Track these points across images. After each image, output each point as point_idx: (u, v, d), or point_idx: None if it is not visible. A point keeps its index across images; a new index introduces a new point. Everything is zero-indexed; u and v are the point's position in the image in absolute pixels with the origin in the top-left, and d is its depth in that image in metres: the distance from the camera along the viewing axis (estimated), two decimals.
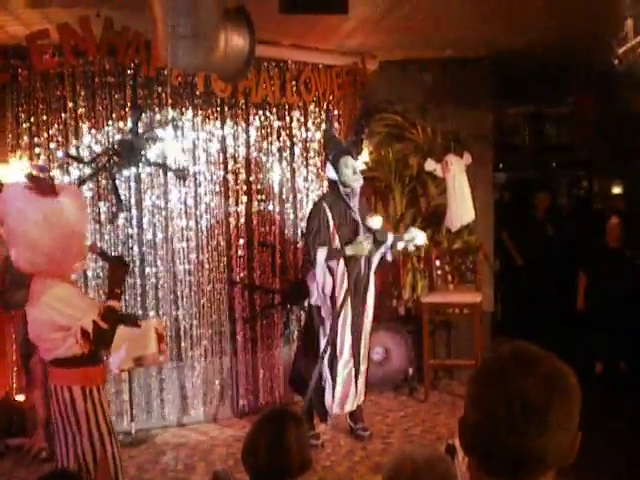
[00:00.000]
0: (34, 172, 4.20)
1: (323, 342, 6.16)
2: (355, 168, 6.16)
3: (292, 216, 7.25)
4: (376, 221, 6.11)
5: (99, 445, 4.06)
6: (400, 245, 6.39)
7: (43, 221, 3.83)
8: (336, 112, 7.40)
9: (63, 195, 4.01)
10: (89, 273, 6.50)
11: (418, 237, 6.38)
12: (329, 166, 6.21)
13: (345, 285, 6.08)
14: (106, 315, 4.01)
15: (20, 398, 6.30)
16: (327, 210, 6.11)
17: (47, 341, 3.95)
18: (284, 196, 7.21)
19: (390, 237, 6.40)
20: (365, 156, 7.43)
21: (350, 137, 6.87)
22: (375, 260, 6.34)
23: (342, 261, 6.08)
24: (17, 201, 3.88)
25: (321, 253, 6.02)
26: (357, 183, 6.16)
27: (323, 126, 7.14)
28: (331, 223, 6.09)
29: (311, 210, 6.39)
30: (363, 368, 6.36)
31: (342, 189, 6.13)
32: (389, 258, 6.51)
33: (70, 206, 3.99)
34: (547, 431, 1.48)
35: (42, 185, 3.93)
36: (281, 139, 7.15)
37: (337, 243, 6.08)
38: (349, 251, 6.05)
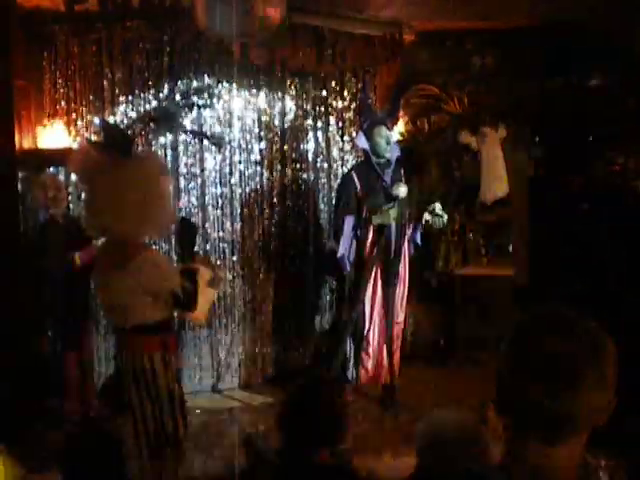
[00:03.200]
0: (106, 131, 4.16)
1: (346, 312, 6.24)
2: (389, 138, 6.14)
3: (327, 185, 7.23)
4: (401, 190, 6.05)
5: (179, 414, 4.10)
6: (426, 217, 6.29)
7: (139, 183, 3.82)
8: (372, 82, 7.37)
9: (143, 156, 4.02)
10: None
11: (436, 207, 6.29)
12: (361, 135, 6.20)
13: (373, 255, 6.11)
14: (189, 277, 4.00)
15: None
16: (356, 180, 6.12)
17: (132, 307, 3.91)
18: (319, 165, 7.20)
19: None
20: (401, 127, 7.40)
21: (386, 107, 6.86)
22: (411, 232, 6.34)
23: (371, 231, 6.10)
24: (101, 166, 3.87)
25: (348, 222, 6.04)
26: (390, 154, 6.15)
27: (359, 95, 7.09)
28: (359, 193, 6.10)
29: (340, 180, 6.43)
30: (398, 342, 6.39)
31: (374, 159, 6.12)
32: (418, 239, 6.49)
33: (154, 167, 4.00)
34: (582, 392, 1.49)
35: (122, 144, 3.93)
36: (317, 108, 7.12)
37: (365, 213, 6.10)
38: (375, 220, 6.04)
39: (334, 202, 6.53)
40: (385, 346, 6.27)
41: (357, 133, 6.81)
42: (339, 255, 6.11)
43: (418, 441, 2.83)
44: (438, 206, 6.22)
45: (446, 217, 6.24)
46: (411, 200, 6.38)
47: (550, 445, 1.55)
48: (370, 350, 6.25)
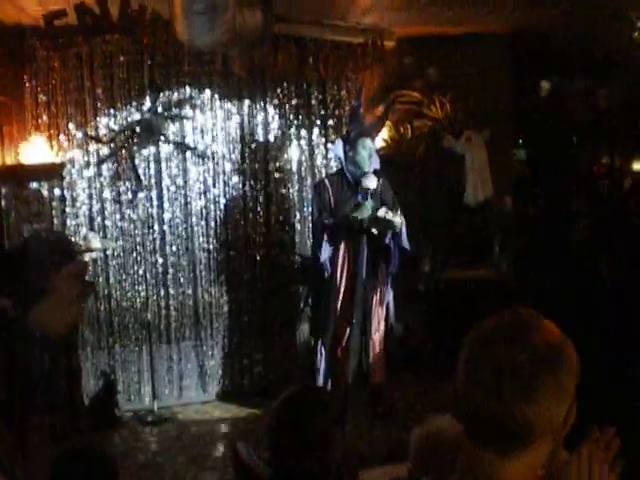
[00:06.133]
0: None
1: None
2: (372, 151, 6.13)
3: (310, 195, 7.22)
4: (370, 181, 6.01)
5: None
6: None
7: None
8: (354, 89, 7.35)
9: None
10: (108, 253, 6.57)
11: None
12: (339, 143, 6.21)
13: (348, 257, 6.15)
14: None
15: None
16: (329, 187, 6.16)
17: None
18: (302, 174, 7.20)
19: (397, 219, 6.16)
20: (384, 134, 7.40)
21: (375, 119, 6.85)
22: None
23: (342, 242, 6.13)
24: None
25: (327, 228, 6.06)
26: (369, 167, 6.13)
27: (353, 102, 6.97)
28: (332, 199, 6.12)
29: (314, 188, 6.47)
30: (379, 349, 6.37)
31: (349, 168, 6.12)
32: (405, 245, 6.31)
33: None
34: (535, 401, 1.46)
35: None
36: (299, 117, 7.12)
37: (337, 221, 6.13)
38: (353, 215, 6.01)
39: (310, 210, 6.57)
40: (355, 352, 6.25)
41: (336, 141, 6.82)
42: (322, 260, 6.12)
43: (413, 447, 2.81)
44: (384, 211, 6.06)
45: (398, 220, 6.08)
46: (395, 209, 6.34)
47: (503, 456, 1.53)
48: (340, 358, 6.25)
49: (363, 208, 5.98)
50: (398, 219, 6.05)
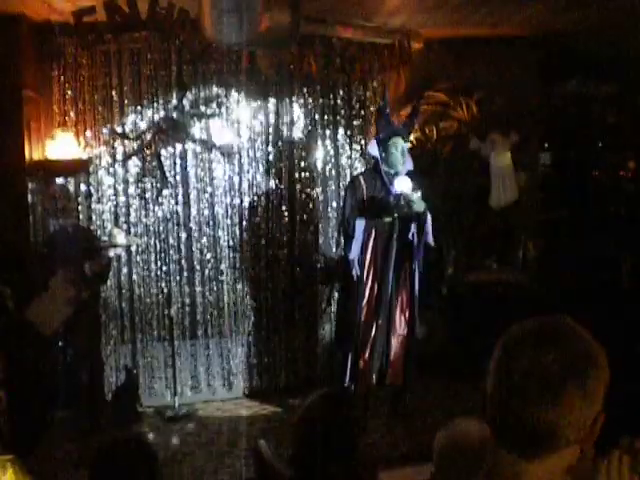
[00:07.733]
0: None
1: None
2: (404, 150, 6.12)
3: (335, 194, 7.22)
4: (401, 184, 5.92)
5: None
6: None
7: None
8: (380, 90, 7.34)
9: None
10: (132, 249, 6.60)
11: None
12: (374, 142, 6.18)
13: (375, 257, 6.12)
14: None
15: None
16: (363, 184, 6.11)
17: None
18: (327, 174, 7.20)
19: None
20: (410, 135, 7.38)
21: (405, 119, 6.83)
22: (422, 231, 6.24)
23: (373, 234, 6.10)
24: None
25: (359, 225, 6.03)
26: (403, 167, 6.11)
27: (379, 103, 6.94)
28: (365, 197, 6.08)
29: (348, 184, 6.41)
30: (401, 352, 6.34)
31: (384, 169, 6.10)
32: (430, 240, 6.29)
33: None
34: (561, 408, 1.45)
35: None
36: (325, 116, 7.12)
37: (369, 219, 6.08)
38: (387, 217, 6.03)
39: (342, 205, 6.54)
40: (379, 353, 6.22)
41: (365, 141, 6.83)
42: (350, 258, 6.09)
43: (436, 450, 2.80)
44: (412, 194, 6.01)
45: (422, 205, 6.02)
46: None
47: (526, 460, 1.52)
48: (366, 359, 6.21)
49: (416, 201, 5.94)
50: (421, 203, 6.00)
